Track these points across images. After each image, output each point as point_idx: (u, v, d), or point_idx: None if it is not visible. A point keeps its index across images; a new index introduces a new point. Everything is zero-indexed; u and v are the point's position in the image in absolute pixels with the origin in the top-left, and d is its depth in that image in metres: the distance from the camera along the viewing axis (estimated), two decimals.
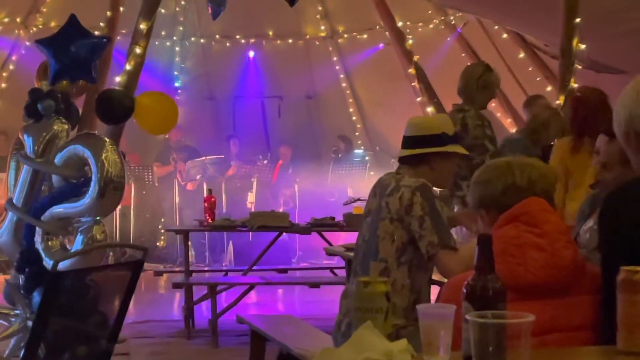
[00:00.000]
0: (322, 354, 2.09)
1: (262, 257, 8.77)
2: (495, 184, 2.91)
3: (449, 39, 12.75)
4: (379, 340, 2.12)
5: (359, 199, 8.29)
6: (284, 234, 8.65)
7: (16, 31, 13.43)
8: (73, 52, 5.98)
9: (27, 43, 13.21)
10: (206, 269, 11.39)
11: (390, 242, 3.87)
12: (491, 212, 2.90)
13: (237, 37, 14.40)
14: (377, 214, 3.96)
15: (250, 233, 10.08)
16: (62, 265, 3.91)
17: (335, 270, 9.12)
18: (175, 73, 14.51)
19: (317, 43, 14.52)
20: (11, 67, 13.48)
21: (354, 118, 14.58)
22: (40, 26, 13.24)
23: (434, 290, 4.26)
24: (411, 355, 2.13)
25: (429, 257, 3.81)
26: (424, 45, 12.34)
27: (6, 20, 13.14)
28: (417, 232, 3.81)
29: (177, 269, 10.76)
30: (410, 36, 12.11)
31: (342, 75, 14.51)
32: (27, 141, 6.05)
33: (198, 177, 12.79)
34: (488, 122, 6.44)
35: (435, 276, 4.13)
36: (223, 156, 13.17)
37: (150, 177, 12.73)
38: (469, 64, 7.88)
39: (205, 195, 8.48)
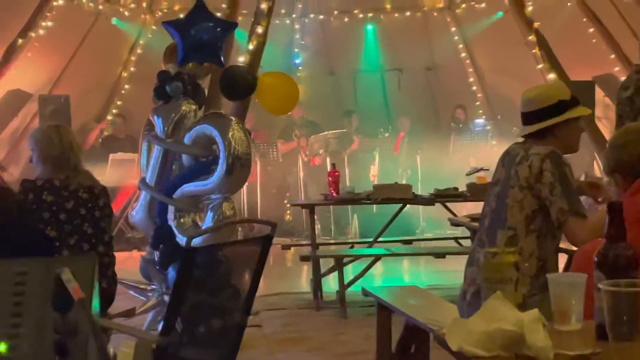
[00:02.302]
0: (452, 325, 2.08)
1: (386, 229, 8.76)
2: (632, 149, 2.82)
3: (569, 4, 12.40)
4: (510, 311, 2.10)
5: (481, 169, 8.19)
6: (408, 205, 8.61)
7: (142, 16, 13.74)
8: (200, 35, 6.09)
9: (153, 27, 13.51)
10: (332, 241, 11.46)
11: (519, 210, 3.83)
12: (627, 177, 2.81)
13: (355, 12, 14.37)
14: (505, 182, 3.91)
15: (374, 205, 10.09)
16: (195, 242, 3.98)
17: (460, 240, 9.04)
18: (296, 50, 14.59)
19: (435, 14, 14.36)
20: (139, 51, 13.81)
21: (474, 88, 14.38)
22: (165, 10, 13.51)
23: (561, 259, 4.18)
24: (542, 325, 2.10)
25: (558, 224, 3.75)
26: (544, 12, 12.04)
27: (132, 5, 13.46)
28: (547, 199, 3.76)
29: (303, 243, 10.86)
30: (529, 2, 11.83)
31: (460, 46, 14.32)
32: (157, 122, 6.20)
33: (321, 151, 12.85)
34: None
35: (562, 244, 4.05)
36: (345, 130, 13.19)
37: (275, 153, 12.86)
38: None
39: (329, 169, 8.51)
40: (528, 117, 3.97)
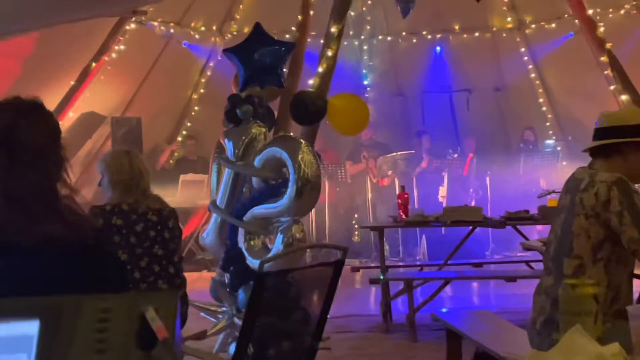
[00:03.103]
0: (531, 359, 2.03)
1: (456, 251, 8.68)
2: None
3: None
4: (590, 344, 2.05)
5: (553, 191, 8.07)
6: (478, 228, 8.52)
7: (212, 39, 13.88)
8: (259, 59, 6.12)
9: (222, 49, 13.65)
10: (400, 263, 11.40)
11: (585, 239, 3.73)
12: None
13: (424, 32, 14.32)
14: (570, 210, 3.82)
15: (443, 228, 10.01)
16: (267, 265, 3.99)
17: (532, 263, 8.91)
18: (364, 71, 14.59)
19: (504, 35, 14.24)
20: (208, 73, 13.95)
21: (543, 108, 14.20)
22: (235, 32, 13.62)
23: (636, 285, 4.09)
24: (624, 359, 2.05)
25: (632, 252, 3.66)
26: (616, 32, 11.85)
27: (203, 28, 13.61)
28: (617, 228, 3.66)
29: (372, 265, 10.82)
30: (601, 23, 11.66)
31: (530, 66, 14.16)
32: (228, 145, 6.24)
33: (390, 172, 12.82)
34: None
35: (637, 269, 3.96)
36: (414, 151, 13.13)
37: (343, 174, 12.86)
38: None
39: (397, 191, 8.47)
40: (601, 132, 3.88)
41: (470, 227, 8.28)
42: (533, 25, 13.87)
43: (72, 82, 11.63)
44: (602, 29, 11.36)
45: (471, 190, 12.93)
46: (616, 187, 3.68)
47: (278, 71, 6.26)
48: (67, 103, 11.59)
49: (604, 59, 11.02)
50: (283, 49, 6.31)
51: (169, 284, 4.41)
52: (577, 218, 3.77)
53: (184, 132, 13.88)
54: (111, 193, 4.52)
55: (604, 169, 3.81)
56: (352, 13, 12.25)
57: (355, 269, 10.04)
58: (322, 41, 9.65)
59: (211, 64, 13.94)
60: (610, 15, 12.44)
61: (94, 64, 11.70)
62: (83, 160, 12.40)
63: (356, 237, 12.83)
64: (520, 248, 8.06)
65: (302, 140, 6.11)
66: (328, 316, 4.04)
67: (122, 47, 12.10)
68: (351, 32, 13.81)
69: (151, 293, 3.04)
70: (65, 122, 11.39)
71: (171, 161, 13.47)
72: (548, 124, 14.16)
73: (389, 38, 14.51)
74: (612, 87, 11.11)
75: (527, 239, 8.36)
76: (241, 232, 6.07)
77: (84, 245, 2.08)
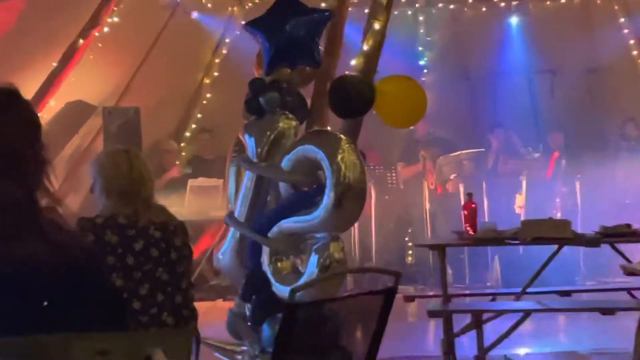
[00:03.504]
0: None
1: (538, 276, 8.63)
2: None
3: None
4: None
5: None
6: (565, 247, 8.46)
7: (229, 8, 13.95)
8: (289, 32, 6.13)
9: (242, 22, 13.69)
10: (467, 292, 11.35)
11: None
12: None
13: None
14: None
15: (521, 247, 9.95)
16: (298, 294, 4.00)
17: (635, 292, 8.84)
18: (420, 49, 14.58)
19: (599, 2, 14.17)
20: (224, 51, 14.01)
21: None
22: (257, 0, 13.64)
23: None
24: None
25: None
26: None
27: None
28: None
29: (431, 293, 10.80)
30: None
31: (632, 41, 14.07)
32: (249, 142, 6.27)
33: (452, 176, 12.81)
34: None
35: None
36: (483, 149, 13.10)
37: (394, 178, 12.87)
38: None
39: (463, 200, 8.45)
40: None
41: (556, 246, 8.23)
42: None
43: (54, 64, 11.71)
44: None
45: (557, 199, 12.86)
46: None
47: (312, 47, 6.27)
48: (47, 90, 11.67)
49: None
50: (318, 18, 6.33)
51: (175, 316, 4.43)
52: None
53: (194, 126, 13.95)
54: (105, 202, 4.54)
55: None
56: None
57: (409, 299, 10.01)
58: (367, 11, 9.65)
59: (227, 41, 14.00)
60: None
61: (81, 41, 11.77)
62: (68, 161, 12.50)
63: (410, 258, 12.83)
64: (621, 272, 7.99)
65: (342, 136, 6.13)
66: (376, 358, 4.05)
67: (115, 19, 12.16)
68: (403, 0, 13.81)
69: (158, 331, 3.05)
70: (46, 114, 11.47)
71: (177, 162, 13.52)
72: None
73: (451, 6, 14.51)
74: None
75: (629, 261, 8.29)
76: (265, 251, 6.09)
77: (70, 270, 2.09)
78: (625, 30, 14.06)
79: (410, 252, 12.87)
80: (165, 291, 4.44)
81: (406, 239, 12.92)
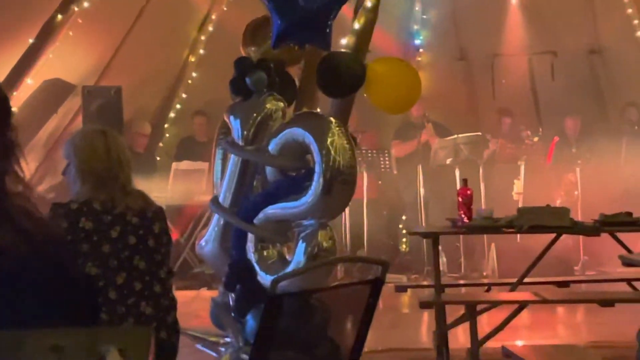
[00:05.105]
0: None
1: (534, 266, 8.65)
2: None
3: None
4: None
5: None
6: (564, 235, 8.48)
7: None
8: (304, 6, 6.08)
9: None
10: (462, 281, 11.39)
11: None
12: None
13: None
14: None
15: (519, 235, 9.97)
16: (282, 284, 4.00)
17: (635, 283, 8.86)
18: (415, 27, 14.56)
19: None
20: (210, 28, 13.97)
21: None
22: None
23: None
24: None
25: None
26: None
27: None
28: None
29: (424, 283, 10.81)
30: None
31: (636, 21, 14.07)
32: (234, 124, 6.26)
33: (448, 160, 12.80)
34: None
35: None
36: (480, 133, 13.11)
37: (387, 162, 12.84)
38: None
39: (459, 186, 8.46)
40: None
41: (555, 235, 8.25)
42: None
43: (31, 40, 11.68)
44: None
45: (558, 187, 12.87)
46: None
47: (328, 25, 6.22)
48: (24, 68, 11.64)
49: None
50: None
51: (154, 306, 4.42)
52: None
53: (178, 106, 13.93)
54: (79, 186, 4.50)
55: None
56: None
57: (402, 289, 10.03)
58: None
59: (213, 17, 13.96)
60: None
61: (60, 16, 11.74)
62: (46, 143, 12.48)
63: (404, 246, 12.84)
64: (620, 263, 8.02)
65: (332, 119, 6.12)
66: (364, 350, 4.05)
67: None
68: None
69: (116, 330, 3.03)
70: (22, 93, 11.45)
71: (160, 144, 13.52)
72: None
73: None
74: None
75: (629, 250, 8.32)
76: (251, 239, 6.09)
77: (41, 258, 2.08)
78: (630, 10, 14.05)
79: (404, 239, 12.88)
80: (143, 280, 4.42)
81: (400, 226, 12.93)
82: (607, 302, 8.05)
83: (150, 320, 4.35)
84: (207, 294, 9.93)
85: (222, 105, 6.68)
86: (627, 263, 7.22)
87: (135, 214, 4.45)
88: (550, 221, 7.83)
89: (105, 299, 4.27)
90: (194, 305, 9.77)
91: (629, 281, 9.03)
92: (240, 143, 6.19)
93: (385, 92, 6.56)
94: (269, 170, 6.15)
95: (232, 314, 6.05)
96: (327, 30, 6.17)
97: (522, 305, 8.16)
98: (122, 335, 1.77)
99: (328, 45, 6.23)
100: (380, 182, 13.00)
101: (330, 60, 6.48)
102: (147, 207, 4.51)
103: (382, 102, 6.76)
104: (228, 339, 6.14)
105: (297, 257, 5.84)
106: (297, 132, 5.92)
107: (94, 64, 12.82)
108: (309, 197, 5.79)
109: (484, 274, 12.05)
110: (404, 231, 12.73)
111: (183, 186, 12.21)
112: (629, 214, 7.88)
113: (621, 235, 8.52)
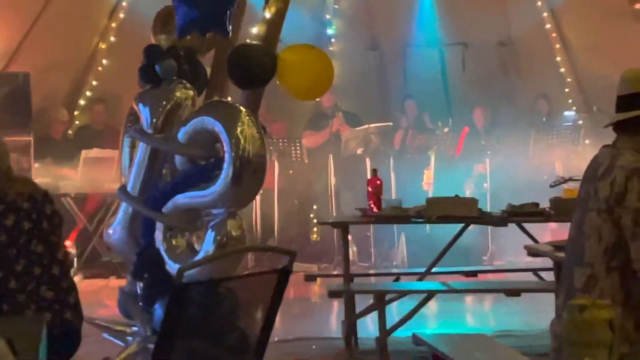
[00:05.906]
0: None
1: (443, 256, 8.73)
2: None
3: None
4: None
5: (570, 179, 8.12)
6: (472, 226, 8.57)
7: None
8: None
9: None
10: (372, 271, 11.44)
11: (596, 241, 3.72)
12: None
13: None
14: (584, 203, 3.83)
15: (428, 225, 10.05)
16: (190, 273, 3.99)
17: (542, 273, 8.98)
18: (327, 17, 14.56)
19: None
20: (121, 15, 13.85)
21: (561, 70, 14.27)
22: None
23: None
24: None
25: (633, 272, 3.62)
26: None
27: None
28: (628, 230, 3.64)
29: (334, 272, 10.85)
30: None
31: (545, 14, 14.22)
32: (144, 112, 6.21)
33: (359, 151, 12.84)
34: None
35: None
36: (391, 124, 13.16)
37: (298, 152, 12.84)
38: None
39: (369, 176, 8.49)
40: (624, 102, 3.88)
41: (463, 225, 8.33)
42: None
43: None
44: None
45: (467, 178, 12.95)
46: (637, 176, 3.67)
47: (229, 13, 6.22)
48: None
49: (638, 6, 11.11)
50: None
51: (54, 289, 4.42)
52: (589, 214, 3.77)
53: (88, 94, 13.79)
54: None
55: (629, 150, 3.80)
56: None
57: (312, 278, 10.07)
58: None
59: (124, 4, 13.83)
60: None
61: None
62: None
63: (315, 236, 12.85)
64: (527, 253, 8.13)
65: (242, 108, 6.11)
66: (273, 340, 4.06)
67: None
68: None
69: (6, 320, 3.01)
70: None
71: (70, 131, 13.38)
72: (567, 90, 14.25)
73: None
74: None
75: (535, 241, 8.43)
76: (159, 227, 6.06)
77: None
78: (539, 3, 14.20)
79: (315, 229, 12.88)
80: (42, 264, 4.44)
81: (311, 215, 12.94)
82: (513, 292, 8.17)
83: (52, 304, 4.34)
84: (115, 283, 9.86)
85: (131, 93, 6.63)
86: (533, 253, 7.33)
87: (26, 199, 4.48)
88: (458, 211, 7.91)
89: (5, 289, 4.25)
90: (102, 294, 9.70)
91: (535, 271, 9.16)
92: (149, 131, 6.15)
93: (297, 79, 6.56)
94: (178, 159, 6.12)
95: (140, 303, 6.02)
96: (227, 18, 6.17)
97: (430, 294, 8.24)
98: (13, 325, 1.76)
99: (227, 31, 6.23)
100: (291, 171, 12.98)
101: (240, 52, 6.47)
102: (35, 191, 4.55)
103: (295, 90, 6.76)
104: (135, 329, 6.11)
105: (206, 246, 5.82)
106: (207, 121, 5.89)
107: (1, 49, 12.64)
108: (218, 186, 5.77)
109: (394, 263, 12.11)
110: (315, 221, 12.73)
111: (92, 174, 12.08)
112: (536, 204, 7.98)
113: (528, 226, 8.64)
